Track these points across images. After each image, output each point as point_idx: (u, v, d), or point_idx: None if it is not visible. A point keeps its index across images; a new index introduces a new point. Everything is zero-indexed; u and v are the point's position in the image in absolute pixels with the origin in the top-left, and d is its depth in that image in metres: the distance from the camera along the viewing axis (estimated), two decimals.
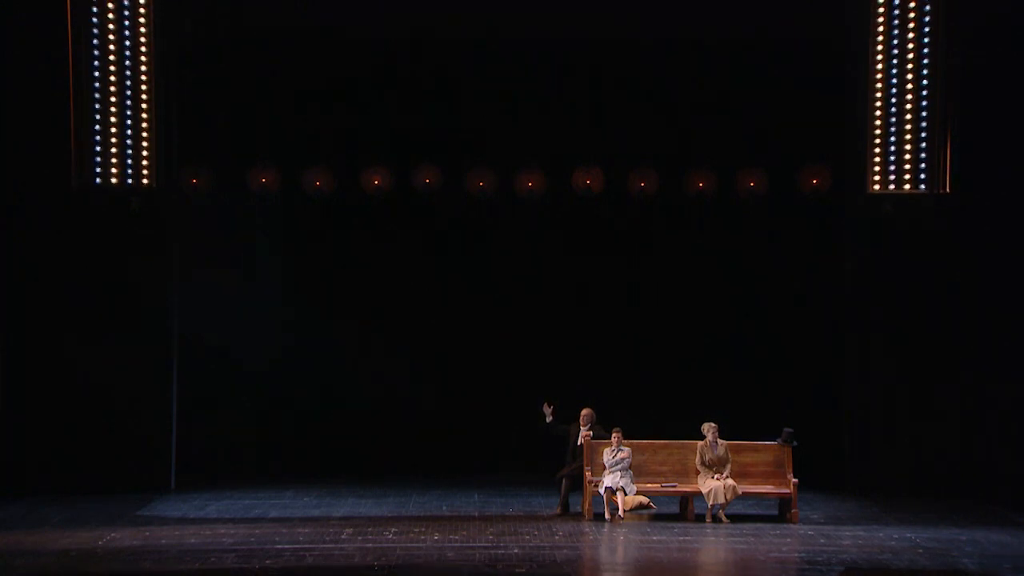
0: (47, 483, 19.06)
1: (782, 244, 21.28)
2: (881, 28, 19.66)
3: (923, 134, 19.60)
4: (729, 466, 17.42)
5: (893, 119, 19.71)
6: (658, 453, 17.80)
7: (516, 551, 15.08)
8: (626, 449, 17.45)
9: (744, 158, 20.87)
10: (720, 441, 17.52)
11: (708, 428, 17.57)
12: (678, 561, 15.14)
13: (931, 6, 19.49)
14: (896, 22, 19.65)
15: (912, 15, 19.56)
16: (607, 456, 17.43)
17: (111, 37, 19.36)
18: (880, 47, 19.63)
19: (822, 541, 15.98)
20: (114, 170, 19.46)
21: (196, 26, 20.02)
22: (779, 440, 17.70)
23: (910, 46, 19.58)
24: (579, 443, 17.81)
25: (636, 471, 17.50)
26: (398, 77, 21.03)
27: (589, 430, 17.80)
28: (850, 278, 20.19)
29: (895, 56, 19.61)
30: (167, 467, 19.68)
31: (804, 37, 20.36)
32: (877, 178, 19.78)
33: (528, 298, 21.55)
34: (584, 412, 17.92)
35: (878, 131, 19.72)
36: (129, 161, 19.50)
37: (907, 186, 19.75)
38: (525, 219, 21.38)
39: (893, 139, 19.74)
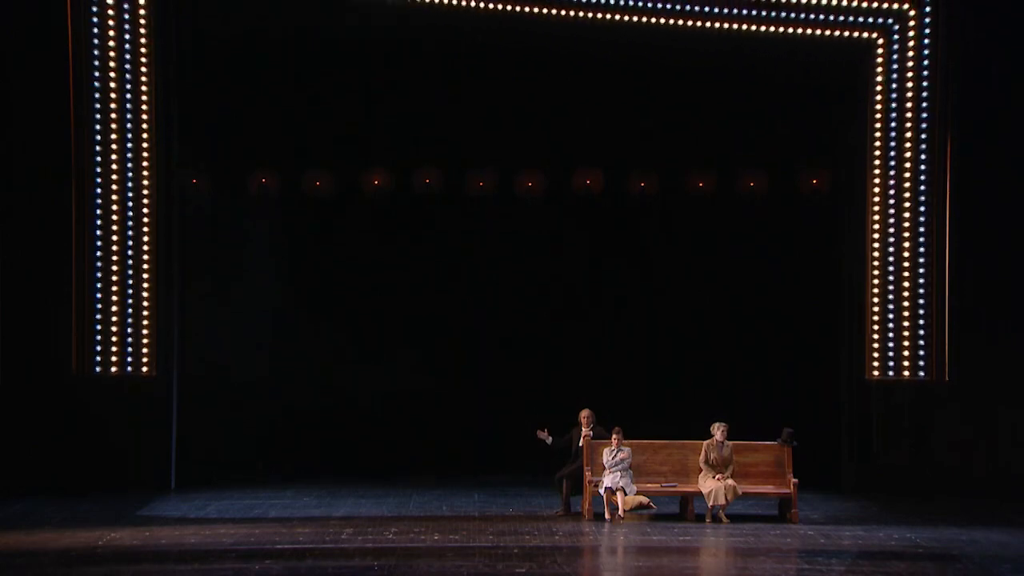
0: (47, 483, 19.04)
1: (782, 244, 21.28)
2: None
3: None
4: (732, 467, 17.41)
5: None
6: (658, 453, 17.79)
7: (516, 551, 15.07)
8: (626, 449, 17.42)
9: (744, 158, 20.90)
10: (727, 442, 17.49)
11: (718, 428, 17.50)
12: (678, 561, 15.13)
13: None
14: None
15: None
16: (607, 456, 17.41)
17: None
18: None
19: (822, 541, 15.97)
20: (114, 358, 19.35)
21: (196, 28, 20.04)
22: (779, 440, 17.69)
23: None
24: (580, 444, 17.80)
25: (636, 471, 17.48)
26: (398, 77, 21.03)
27: (590, 430, 17.79)
28: (847, 285, 20.24)
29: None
30: (167, 467, 19.68)
31: (806, 37, 20.38)
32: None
33: (528, 298, 21.55)
34: (584, 413, 17.89)
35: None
36: (129, 349, 19.41)
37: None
38: (525, 219, 21.39)
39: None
